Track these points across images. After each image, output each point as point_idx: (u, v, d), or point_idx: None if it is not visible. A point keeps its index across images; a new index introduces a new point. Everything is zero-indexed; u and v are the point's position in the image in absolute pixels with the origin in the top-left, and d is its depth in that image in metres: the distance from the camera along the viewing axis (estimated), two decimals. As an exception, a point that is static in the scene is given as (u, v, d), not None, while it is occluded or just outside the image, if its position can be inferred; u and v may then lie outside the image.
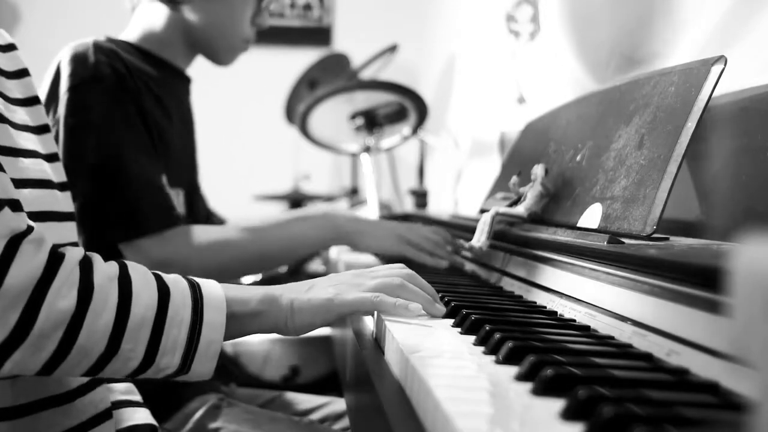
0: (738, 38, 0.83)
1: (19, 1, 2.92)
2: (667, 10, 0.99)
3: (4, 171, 0.59)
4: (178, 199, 1.13)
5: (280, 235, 1.10)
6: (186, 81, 1.22)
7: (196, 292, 0.62)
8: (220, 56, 1.17)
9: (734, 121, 0.73)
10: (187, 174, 1.20)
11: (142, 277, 0.61)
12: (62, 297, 0.55)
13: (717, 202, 0.76)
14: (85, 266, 0.58)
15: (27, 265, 0.54)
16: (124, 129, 0.99)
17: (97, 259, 0.60)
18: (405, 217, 1.76)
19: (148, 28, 1.12)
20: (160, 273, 0.63)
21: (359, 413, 0.64)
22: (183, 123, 1.19)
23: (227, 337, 0.63)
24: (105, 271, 0.59)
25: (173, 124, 1.12)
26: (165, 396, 0.94)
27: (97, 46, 1.01)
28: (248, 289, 0.67)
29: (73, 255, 0.58)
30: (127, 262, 0.63)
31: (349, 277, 0.71)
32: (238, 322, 0.65)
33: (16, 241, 0.55)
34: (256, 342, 1.47)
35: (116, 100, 1.00)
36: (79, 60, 0.99)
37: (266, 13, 1.18)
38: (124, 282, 0.60)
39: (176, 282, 0.63)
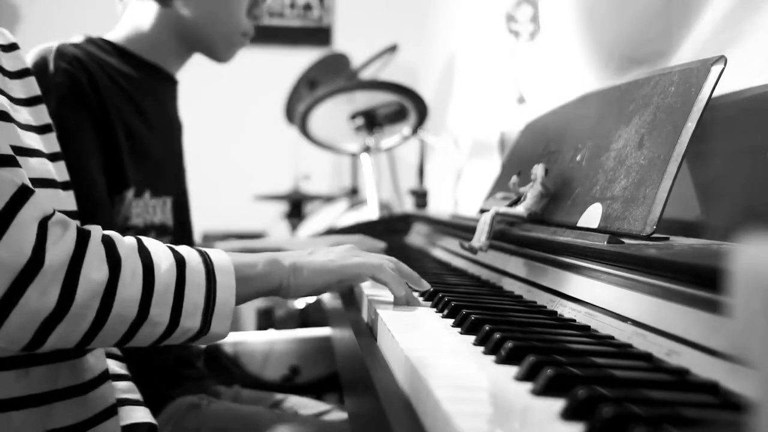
0: (738, 38, 0.83)
1: (19, 1, 2.92)
2: (668, 10, 0.99)
3: (20, 165, 0.62)
4: (165, 207, 1.10)
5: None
6: (172, 84, 1.17)
7: (205, 258, 0.67)
8: (218, 51, 1.13)
9: (734, 121, 0.73)
10: (173, 181, 1.16)
11: (157, 247, 0.66)
12: (95, 269, 0.59)
13: (717, 202, 0.76)
14: (108, 241, 0.63)
15: (60, 244, 0.58)
16: (78, 145, 0.95)
17: (115, 234, 0.65)
18: (405, 218, 1.76)
19: (135, 28, 1.09)
20: (170, 245, 0.68)
21: (359, 413, 0.64)
22: (165, 128, 1.16)
23: (240, 299, 0.68)
24: (126, 243, 0.64)
25: (153, 129, 1.09)
26: (149, 397, 0.94)
27: (60, 53, 0.97)
28: (253, 254, 0.72)
29: (96, 231, 0.63)
30: (140, 237, 0.67)
31: (348, 249, 0.78)
32: (248, 284, 0.70)
33: (44, 222, 0.59)
34: (256, 342, 1.47)
35: (70, 112, 0.95)
36: (37, 68, 0.95)
37: (263, 4, 1.13)
38: (144, 253, 0.64)
39: (188, 251, 0.68)
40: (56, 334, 0.58)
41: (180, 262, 0.65)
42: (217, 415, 1.02)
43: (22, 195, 0.58)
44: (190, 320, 0.64)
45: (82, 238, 0.61)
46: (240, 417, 1.02)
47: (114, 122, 1.00)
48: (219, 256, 0.69)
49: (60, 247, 0.58)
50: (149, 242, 0.66)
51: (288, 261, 0.72)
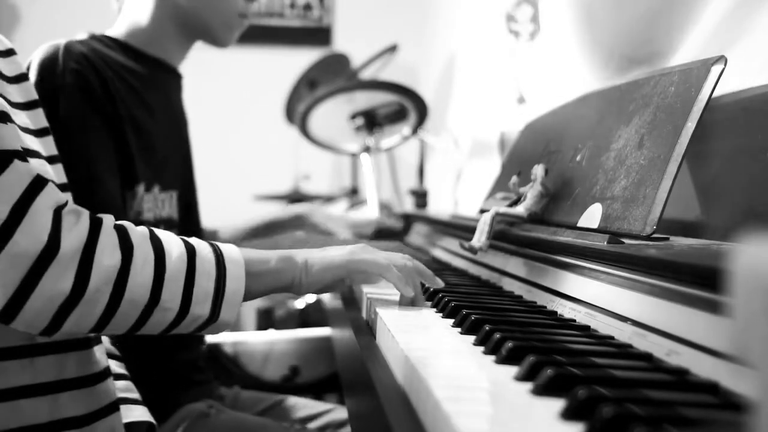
0: (738, 38, 0.83)
1: (18, 1, 2.92)
2: (668, 10, 0.99)
3: (28, 161, 0.63)
4: (171, 201, 1.11)
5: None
6: (177, 77, 1.18)
7: (215, 249, 0.70)
8: (218, 36, 1.12)
9: (734, 121, 0.73)
10: (180, 175, 1.16)
11: (168, 236, 0.68)
12: (108, 255, 0.62)
13: (717, 202, 0.76)
14: (121, 228, 0.65)
15: (74, 231, 0.61)
16: (87, 144, 0.95)
17: (127, 222, 0.67)
18: (405, 218, 1.76)
19: (135, 24, 1.09)
20: (181, 236, 0.70)
21: (359, 413, 0.64)
22: (172, 122, 1.16)
23: (250, 295, 0.70)
24: (138, 232, 0.66)
25: (159, 123, 1.09)
26: (158, 402, 0.94)
27: (68, 51, 0.96)
28: (267, 251, 0.74)
29: (109, 220, 0.65)
30: (151, 227, 0.69)
31: (361, 246, 0.79)
32: (260, 279, 0.71)
33: (58, 211, 0.61)
34: (256, 342, 1.47)
35: (80, 111, 0.95)
36: (45, 67, 0.95)
37: None
38: (156, 241, 0.66)
39: (198, 242, 0.70)
40: (72, 318, 0.60)
41: (190, 251, 0.68)
42: (225, 424, 1.02)
43: (38, 185, 0.61)
44: (200, 307, 0.66)
45: (95, 225, 0.63)
46: (248, 428, 1.03)
47: (123, 118, 1.00)
48: (229, 248, 0.71)
49: (74, 234, 0.61)
50: (160, 232, 0.69)
51: (301, 258, 0.74)
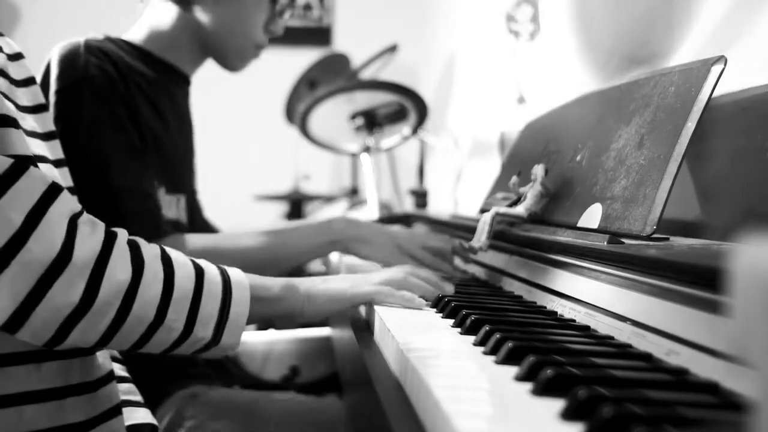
0: (738, 38, 0.83)
1: (18, 1, 2.92)
2: (668, 10, 0.99)
3: (37, 166, 0.63)
4: (179, 204, 1.11)
5: (274, 243, 1.06)
6: (185, 83, 1.19)
7: (222, 272, 0.70)
8: (231, 61, 1.14)
9: (734, 121, 0.73)
10: (187, 179, 1.18)
11: (178, 256, 0.68)
12: (120, 269, 0.62)
13: (717, 202, 0.76)
14: (133, 244, 0.65)
15: (88, 241, 0.61)
16: (112, 133, 0.97)
17: (139, 239, 0.67)
18: (405, 217, 1.76)
19: (155, 28, 1.10)
20: (190, 257, 0.70)
21: (359, 413, 0.64)
22: (180, 127, 1.17)
23: (253, 319, 0.70)
24: (150, 249, 0.66)
25: (169, 128, 1.10)
26: (157, 392, 0.94)
27: (88, 46, 0.98)
28: (269, 278, 0.75)
29: (123, 234, 0.65)
30: (162, 245, 0.69)
31: (359, 275, 0.79)
32: (262, 306, 0.72)
33: (74, 220, 0.61)
34: (256, 342, 1.46)
35: (105, 102, 0.97)
36: (68, 61, 0.97)
37: (279, 20, 1.15)
38: (166, 259, 0.66)
39: (207, 264, 0.70)
40: (77, 330, 0.60)
41: (199, 272, 0.68)
42: (213, 401, 1.02)
43: (53, 192, 0.61)
44: (203, 330, 0.66)
45: (109, 238, 0.63)
46: (237, 402, 1.03)
47: (139, 116, 1.01)
48: (235, 272, 0.71)
49: (88, 245, 0.60)
50: (170, 250, 0.69)
51: (304, 287, 0.75)
